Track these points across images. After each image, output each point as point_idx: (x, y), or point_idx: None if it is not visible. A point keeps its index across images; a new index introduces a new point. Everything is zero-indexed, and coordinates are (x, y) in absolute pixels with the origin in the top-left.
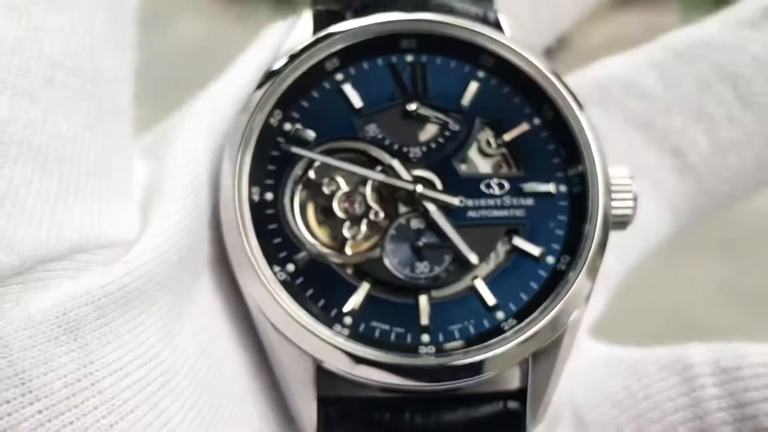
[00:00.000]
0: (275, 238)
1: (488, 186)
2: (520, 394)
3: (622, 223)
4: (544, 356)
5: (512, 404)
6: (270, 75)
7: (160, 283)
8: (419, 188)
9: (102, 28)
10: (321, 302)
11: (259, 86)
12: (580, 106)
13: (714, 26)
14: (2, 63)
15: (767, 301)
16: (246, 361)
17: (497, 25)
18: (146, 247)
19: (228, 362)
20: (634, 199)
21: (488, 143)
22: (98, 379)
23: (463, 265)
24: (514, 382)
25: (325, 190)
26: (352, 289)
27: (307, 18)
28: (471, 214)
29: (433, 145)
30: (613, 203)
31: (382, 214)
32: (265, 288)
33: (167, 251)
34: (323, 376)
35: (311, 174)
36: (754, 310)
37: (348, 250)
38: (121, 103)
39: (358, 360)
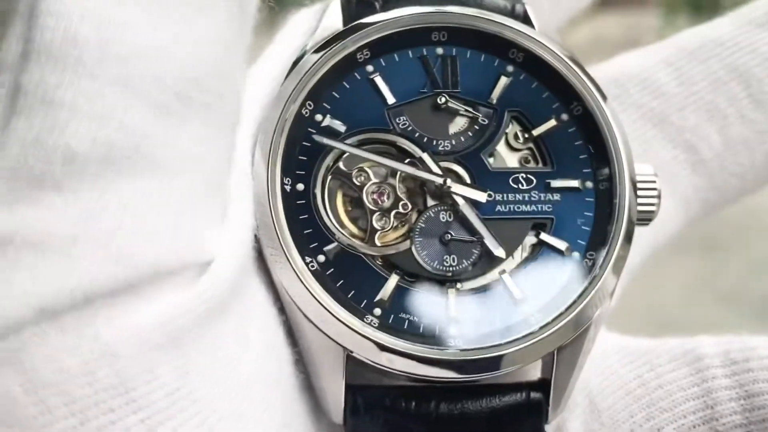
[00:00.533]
0: (306, 229)
1: (516, 180)
2: (543, 385)
3: (646, 219)
4: (569, 350)
5: (535, 395)
6: (302, 65)
7: (234, 286)
8: (449, 182)
9: (232, 38)
10: (351, 293)
11: (289, 75)
12: (606, 101)
13: (726, 26)
14: (142, 72)
15: (745, 299)
16: (290, 355)
17: (526, 18)
18: (229, 252)
19: (284, 357)
20: (658, 196)
21: (516, 137)
22: (195, 389)
23: (490, 259)
24: (536, 373)
25: (355, 181)
26: (381, 281)
27: (335, 6)
28: (499, 208)
29: (463, 138)
30: (639, 200)
31: (411, 206)
32: (298, 278)
33: (242, 254)
34: (352, 364)
35: (341, 165)
36: (732, 308)
37: (377, 242)
38: (236, 116)
39: (387, 350)
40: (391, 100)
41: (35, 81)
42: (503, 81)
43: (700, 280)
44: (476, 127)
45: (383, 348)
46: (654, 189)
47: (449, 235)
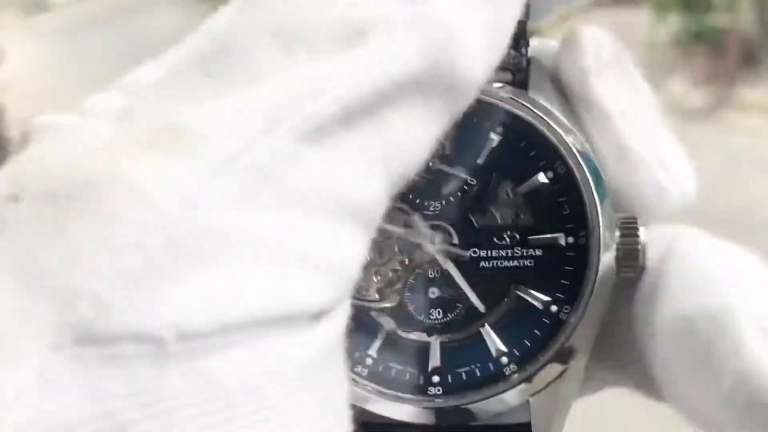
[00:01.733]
0: None
1: (500, 237)
2: (526, 427)
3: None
4: (545, 396)
5: None
6: None
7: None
8: (435, 242)
9: None
10: (346, 344)
11: None
12: (591, 162)
13: None
14: None
15: None
16: None
17: (523, 81)
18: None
19: None
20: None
21: (506, 194)
22: None
23: (472, 313)
24: (520, 416)
25: None
26: (373, 332)
27: None
28: (483, 264)
29: (452, 199)
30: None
31: (402, 263)
32: None
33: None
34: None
35: None
36: None
37: (374, 295)
38: None
39: (375, 396)
40: None
41: None
42: (492, 142)
43: None
44: (465, 187)
45: (371, 394)
46: None
47: (435, 291)
